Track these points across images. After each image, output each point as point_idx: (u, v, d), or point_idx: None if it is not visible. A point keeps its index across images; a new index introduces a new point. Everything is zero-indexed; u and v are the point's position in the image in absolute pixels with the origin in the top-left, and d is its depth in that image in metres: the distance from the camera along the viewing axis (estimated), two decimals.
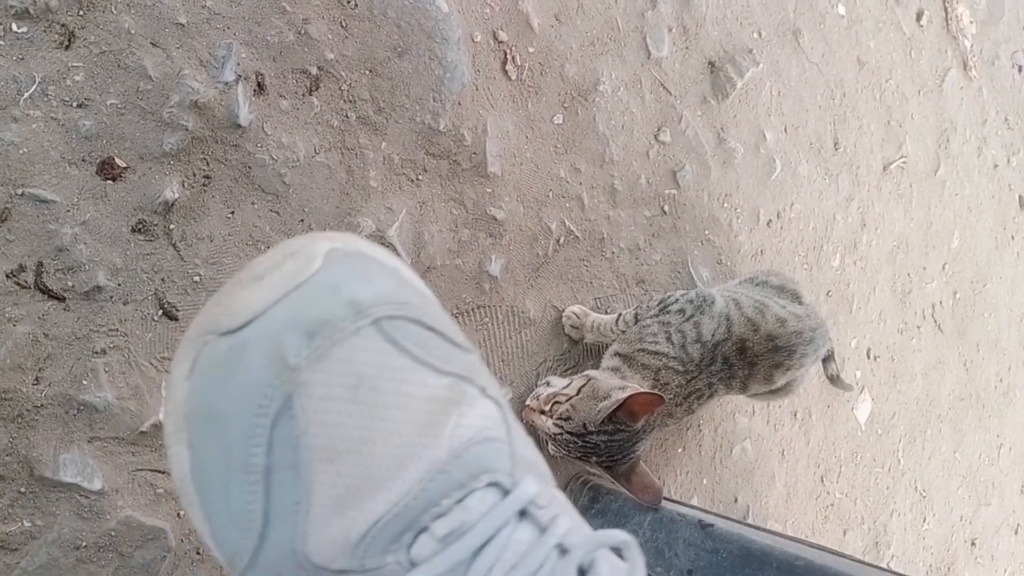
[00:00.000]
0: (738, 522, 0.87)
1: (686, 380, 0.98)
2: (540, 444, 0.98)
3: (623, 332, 1.03)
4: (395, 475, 0.35)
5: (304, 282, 0.35)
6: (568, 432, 0.91)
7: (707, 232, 1.29)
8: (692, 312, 1.01)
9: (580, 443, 0.92)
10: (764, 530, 0.93)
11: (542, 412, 0.95)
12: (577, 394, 0.93)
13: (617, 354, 1.01)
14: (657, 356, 0.97)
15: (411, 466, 0.35)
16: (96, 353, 0.78)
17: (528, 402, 0.98)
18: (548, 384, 1.00)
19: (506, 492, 0.38)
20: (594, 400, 0.91)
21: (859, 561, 0.69)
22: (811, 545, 0.79)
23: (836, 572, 0.71)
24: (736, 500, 1.35)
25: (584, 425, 0.90)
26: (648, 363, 0.97)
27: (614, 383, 0.94)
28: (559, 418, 0.92)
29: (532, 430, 0.98)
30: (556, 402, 0.94)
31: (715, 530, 0.88)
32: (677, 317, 1.01)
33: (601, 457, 0.93)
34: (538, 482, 0.39)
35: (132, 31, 0.79)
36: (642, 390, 0.88)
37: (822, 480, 1.52)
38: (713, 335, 0.99)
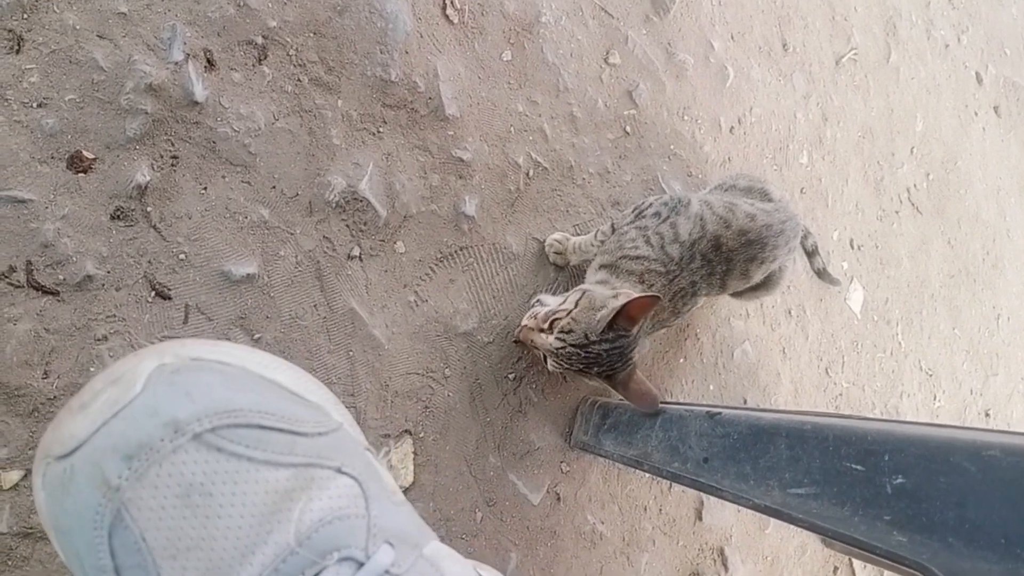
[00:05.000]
0: (743, 408, 0.89)
1: (669, 280, 1.00)
2: (541, 360, 1.01)
3: (602, 244, 1.05)
4: (242, 562, 0.40)
5: (123, 408, 0.40)
6: (571, 345, 0.93)
7: (672, 147, 1.31)
8: (668, 214, 1.03)
9: (583, 354, 0.93)
10: (768, 409, 0.96)
11: (541, 330, 0.97)
12: (575, 307, 0.95)
13: (602, 267, 1.02)
14: (639, 260, 0.99)
15: (258, 551, 0.40)
16: (98, 340, 0.80)
17: (525, 321, 1.00)
18: (541, 303, 1.02)
19: (360, 565, 0.42)
20: (592, 311, 0.93)
21: (861, 417, 0.71)
22: (815, 413, 0.82)
23: (842, 428, 0.72)
24: (745, 401, 1.37)
25: (586, 336, 0.92)
26: (632, 268, 0.99)
27: (607, 292, 0.96)
28: (561, 332, 0.94)
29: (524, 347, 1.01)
30: (556, 318, 0.96)
31: (722, 416, 0.89)
32: (653, 220, 1.03)
33: (602, 367, 0.95)
34: (394, 549, 0.44)
35: (77, 27, 0.81)
36: (637, 294, 0.90)
37: (827, 372, 1.54)
38: (690, 234, 1.01)
